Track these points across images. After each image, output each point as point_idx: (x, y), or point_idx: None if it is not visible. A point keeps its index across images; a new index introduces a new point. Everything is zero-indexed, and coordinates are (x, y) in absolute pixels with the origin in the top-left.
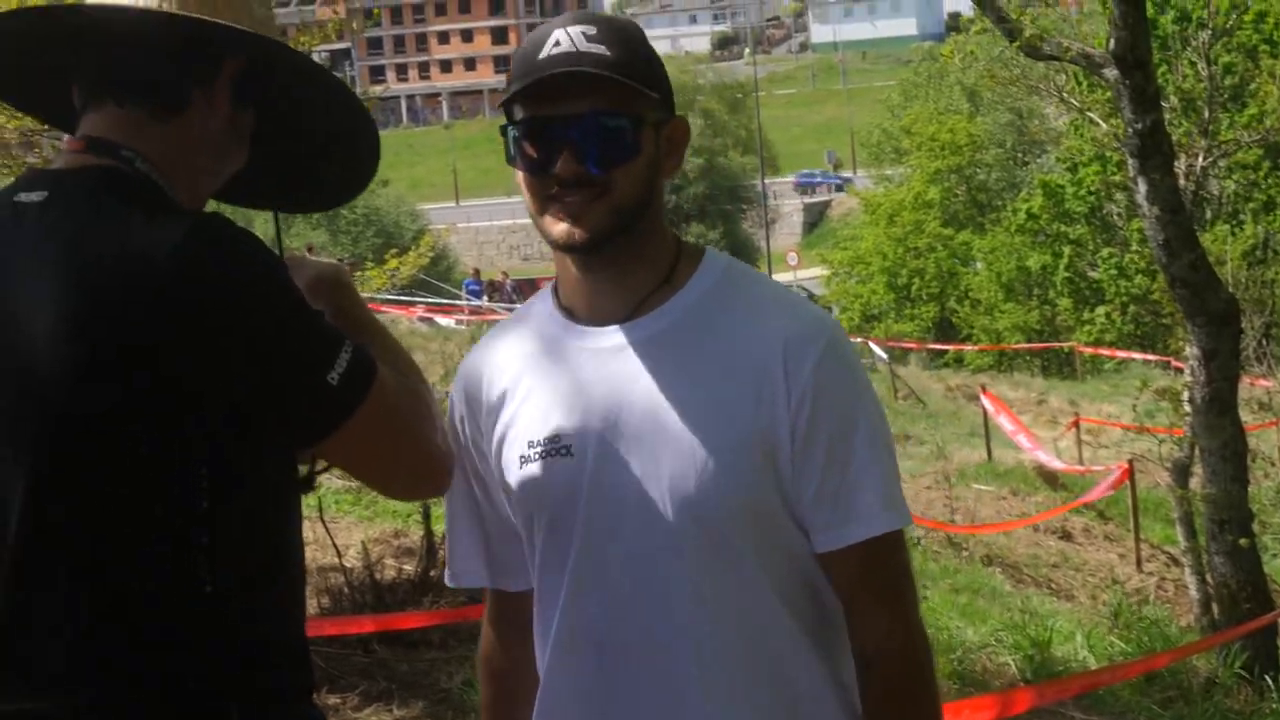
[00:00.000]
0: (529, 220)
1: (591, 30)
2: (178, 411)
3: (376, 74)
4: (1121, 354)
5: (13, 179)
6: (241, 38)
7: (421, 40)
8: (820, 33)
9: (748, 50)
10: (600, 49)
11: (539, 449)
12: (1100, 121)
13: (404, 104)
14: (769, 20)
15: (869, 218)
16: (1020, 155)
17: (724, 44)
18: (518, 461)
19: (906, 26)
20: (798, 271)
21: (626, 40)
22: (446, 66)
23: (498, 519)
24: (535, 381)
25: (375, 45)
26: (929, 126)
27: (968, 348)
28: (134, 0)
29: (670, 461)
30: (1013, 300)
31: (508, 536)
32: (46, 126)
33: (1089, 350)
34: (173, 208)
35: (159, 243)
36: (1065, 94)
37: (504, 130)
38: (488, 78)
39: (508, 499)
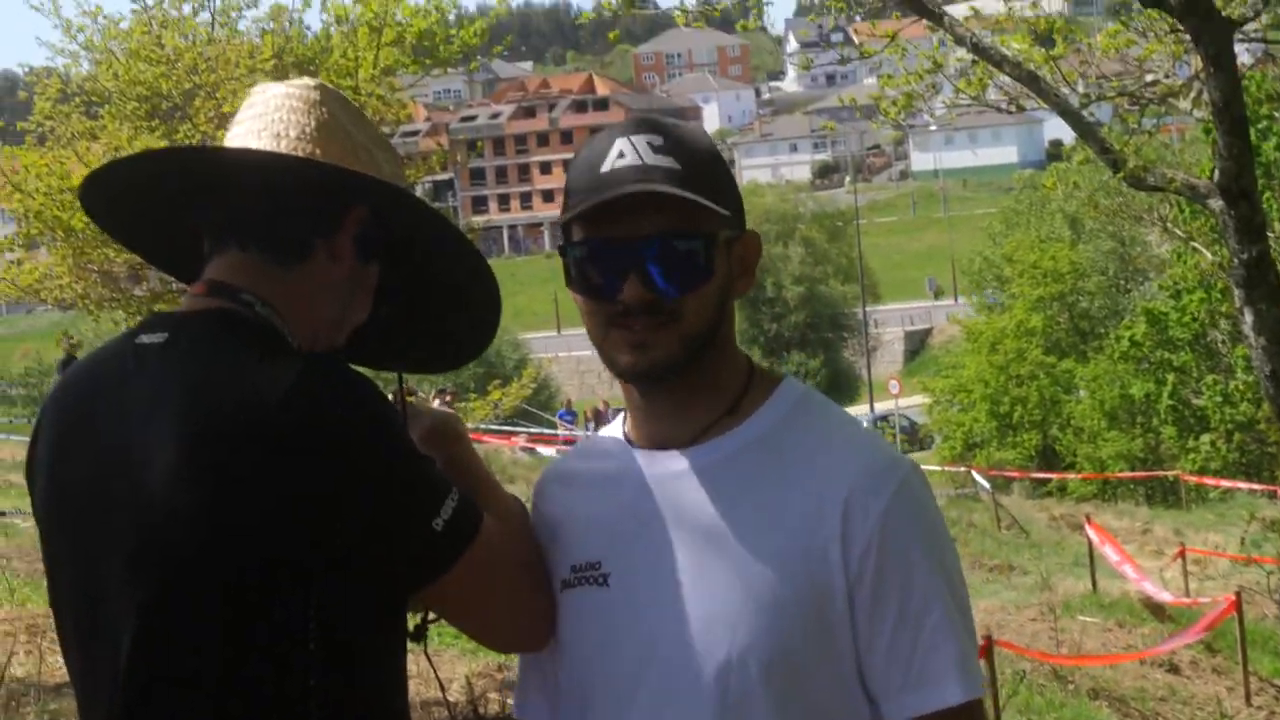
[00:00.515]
0: None
1: (658, 139)
2: (290, 551)
3: (479, 204)
4: (1227, 483)
5: (120, 311)
6: (367, 187)
7: (524, 171)
8: (921, 161)
9: (848, 178)
10: (668, 161)
11: (578, 575)
12: (1204, 250)
13: (506, 234)
14: (870, 149)
15: (970, 345)
16: (1123, 282)
17: (825, 172)
18: (559, 585)
19: (1007, 155)
20: (899, 399)
21: (696, 150)
22: (548, 196)
23: None
24: (585, 504)
25: (478, 176)
26: (1031, 254)
27: (1071, 476)
28: (259, 144)
29: (706, 604)
30: (1116, 428)
31: None
32: None
33: (1194, 479)
34: (289, 351)
35: (274, 386)
36: (1169, 224)
37: (563, 250)
38: None
39: None
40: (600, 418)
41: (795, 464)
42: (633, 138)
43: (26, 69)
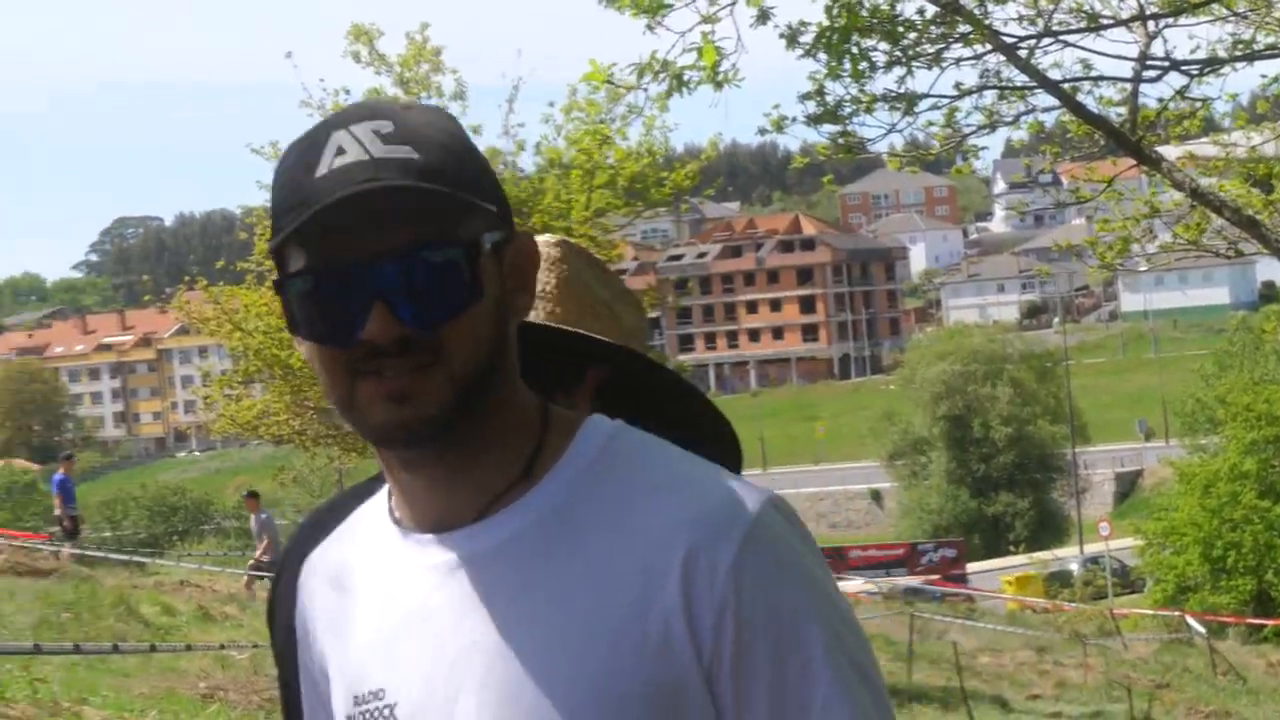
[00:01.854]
0: (837, 487)
1: (387, 126)
2: None
3: (685, 342)
4: None
5: (336, 447)
6: (605, 350)
7: (730, 310)
8: (1130, 301)
9: (1057, 319)
10: (405, 151)
11: (361, 709)
12: None
13: (712, 372)
14: (1078, 289)
15: (1183, 488)
16: None
17: (1033, 313)
18: None
19: (1219, 295)
20: (1109, 542)
21: (438, 135)
22: (754, 335)
23: None
24: (359, 612)
25: (684, 314)
26: (1244, 396)
27: None
28: None
29: None
30: None
31: None
32: None
33: None
34: None
35: None
36: None
37: (279, 287)
38: (795, 346)
39: None
40: None
41: (610, 527)
42: (354, 127)
43: (244, 210)
